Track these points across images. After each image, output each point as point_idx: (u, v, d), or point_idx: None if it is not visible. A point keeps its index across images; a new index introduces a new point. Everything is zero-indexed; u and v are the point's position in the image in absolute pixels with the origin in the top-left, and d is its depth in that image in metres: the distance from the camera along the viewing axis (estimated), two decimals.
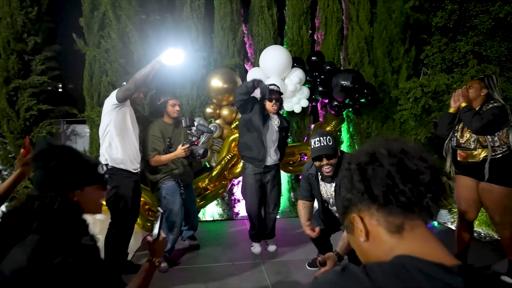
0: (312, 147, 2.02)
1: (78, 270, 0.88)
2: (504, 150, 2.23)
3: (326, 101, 3.94)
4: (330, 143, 1.99)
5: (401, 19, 4.03)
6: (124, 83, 2.54)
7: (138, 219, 2.84)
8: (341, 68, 4.16)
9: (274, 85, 2.88)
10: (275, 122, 2.85)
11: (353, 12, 4.32)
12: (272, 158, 2.84)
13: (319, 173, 2.17)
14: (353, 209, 0.64)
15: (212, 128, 3.36)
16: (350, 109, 3.96)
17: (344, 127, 4.38)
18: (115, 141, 2.35)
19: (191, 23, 3.96)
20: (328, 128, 3.93)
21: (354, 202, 0.63)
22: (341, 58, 4.39)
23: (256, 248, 2.96)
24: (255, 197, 2.85)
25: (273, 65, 3.54)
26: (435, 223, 3.68)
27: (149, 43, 3.65)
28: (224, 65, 3.99)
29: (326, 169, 2.02)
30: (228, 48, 4.09)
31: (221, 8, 4.07)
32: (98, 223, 2.74)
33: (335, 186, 2.14)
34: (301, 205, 2.30)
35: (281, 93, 2.88)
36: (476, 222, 3.35)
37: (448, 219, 3.72)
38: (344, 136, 4.43)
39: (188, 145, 2.57)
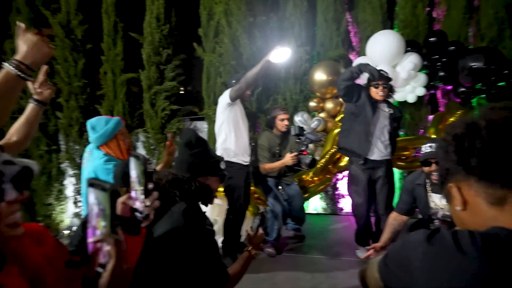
0: (422, 152, 1.92)
1: (204, 247, 1.06)
2: None
3: (450, 87, 3.40)
4: None
5: None
6: (233, 81, 2.81)
7: (249, 206, 3.12)
8: (470, 47, 3.50)
9: (381, 70, 2.60)
10: (385, 111, 2.57)
11: None
12: (381, 151, 2.56)
13: (427, 184, 2.00)
14: (451, 179, 0.61)
15: (320, 137, 3.33)
16: (483, 95, 3.30)
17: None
18: (229, 136, 2.64)
19: (294, 19, 4.03)
20: (451, 119, 3.39)
21: (451, 172, 0.61)
22: (470, 35, 3.69)
23: (362, 253, 2.69)
24: (361, 195, 2.62)
25: (382, 52, 3.27)
26: None
27: (256, 43, 3.91)
28: (327, 57, 3.92)
29: (435, 177, 1.87)
30: (331, 40, 4.00)
31: (324, 0, 3.99)
32: (216, 207, 3.14)
33: None
34: (393, 218, 2.07)
35: (390, 79, 2.57)
36: None
37: None
38: None
39: (296, 154, 2.68)
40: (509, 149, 0.53)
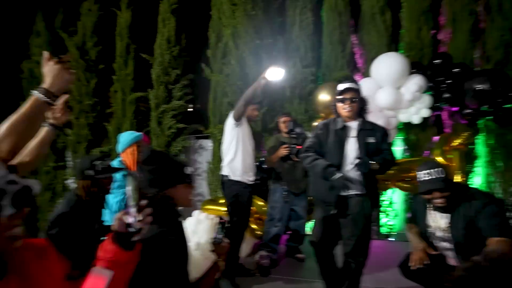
0: (421, 179, 1.80)
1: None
2: None
3: (455, 109, 3.36)
4: (442, 175, 1.77)
5: None
6: None
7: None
8: (476, 69, 3.49)
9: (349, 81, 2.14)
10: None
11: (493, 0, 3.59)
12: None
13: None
14: None
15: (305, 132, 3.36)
16: (490, 117, 3.25)
17: (480, 139, 3.62)
18: (237, 155, 2.66)
19: (300, 41, 4.13)
20: (457, 141, 3.33)
21: None
22: (475, 57, 3.68)
23: None
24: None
25: (387, 74, 3.29)
26: None
27: (262, 64, 3.99)
28: (332, 78, 3.96)
29: (438, 201, 1.80)
30: (336, 61, 4.06)
31: (330, 23, 4.09)
32: (206, 223, 3.06)
33: (452, 218, 1.81)
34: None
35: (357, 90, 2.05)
36: None
37: None
38: (481, 149, 3.64)
39: (286, 146, 2.87)
40: None
